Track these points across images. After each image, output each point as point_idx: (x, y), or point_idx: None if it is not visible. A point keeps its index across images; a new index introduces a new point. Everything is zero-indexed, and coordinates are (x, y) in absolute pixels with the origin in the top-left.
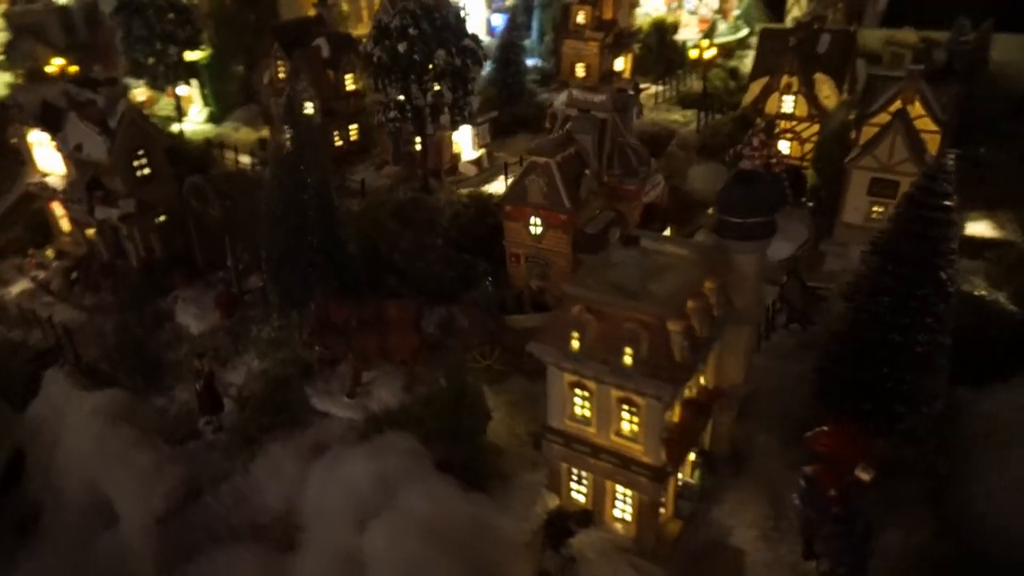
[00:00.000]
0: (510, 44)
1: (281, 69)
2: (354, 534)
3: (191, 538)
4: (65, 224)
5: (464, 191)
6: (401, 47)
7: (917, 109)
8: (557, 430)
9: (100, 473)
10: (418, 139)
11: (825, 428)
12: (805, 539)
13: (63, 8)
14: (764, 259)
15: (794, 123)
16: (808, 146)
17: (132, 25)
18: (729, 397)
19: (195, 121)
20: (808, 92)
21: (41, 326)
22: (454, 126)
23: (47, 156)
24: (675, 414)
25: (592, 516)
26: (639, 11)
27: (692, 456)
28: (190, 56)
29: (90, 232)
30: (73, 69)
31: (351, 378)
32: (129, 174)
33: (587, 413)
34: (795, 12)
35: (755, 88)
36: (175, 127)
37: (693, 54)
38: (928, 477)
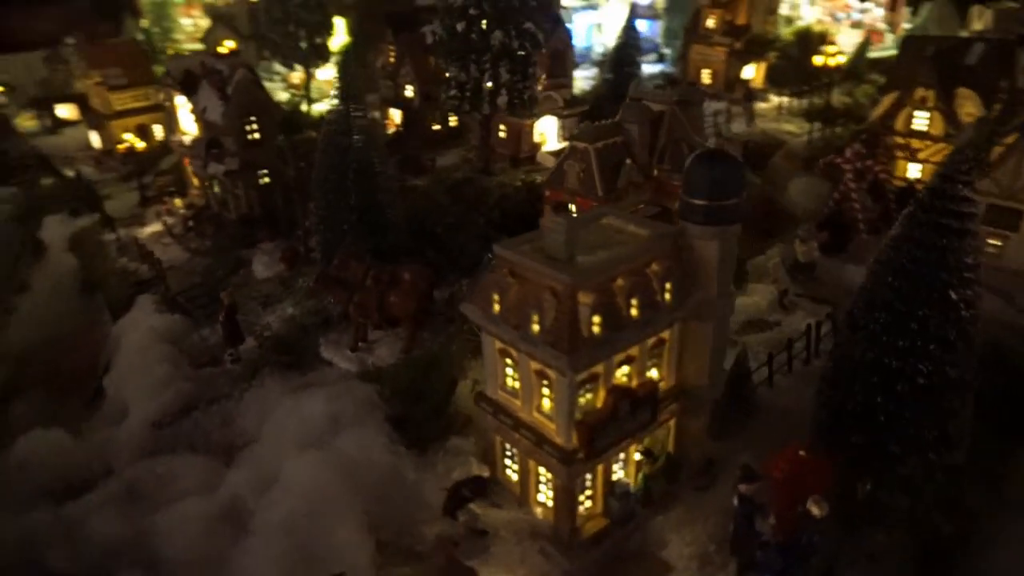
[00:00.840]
0: (624, 45)
1: (392, 54)
2: (286, 460)
3: (174, 445)
4: (194, 178)
5: (523, 176)
6: (459, 26)
7: None
8: (490, 399)
9: (127, 378)
10: (501, 126)
11: (786, 450)
12: (738, 566)
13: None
14: (730, 246)
15: (926, 142)
16: (927, 167)
17: (272, 8)
18: (693, 400)
19: (330, 102)
20: (946, 108)
21: (148, 260)
22: (511, 109)
23: (187, 118)
24: (597, 399)
25: (487, 485)
26: (797, 22)
27: (636, 456)
28: (331, 43)
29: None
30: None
31: (354, 333)
32: (240, 136)
33: (516, 385)
34: (977, 25)
35: (886, 101)
36: (304, 105)
37: (818, 61)
38: (922, 533)
